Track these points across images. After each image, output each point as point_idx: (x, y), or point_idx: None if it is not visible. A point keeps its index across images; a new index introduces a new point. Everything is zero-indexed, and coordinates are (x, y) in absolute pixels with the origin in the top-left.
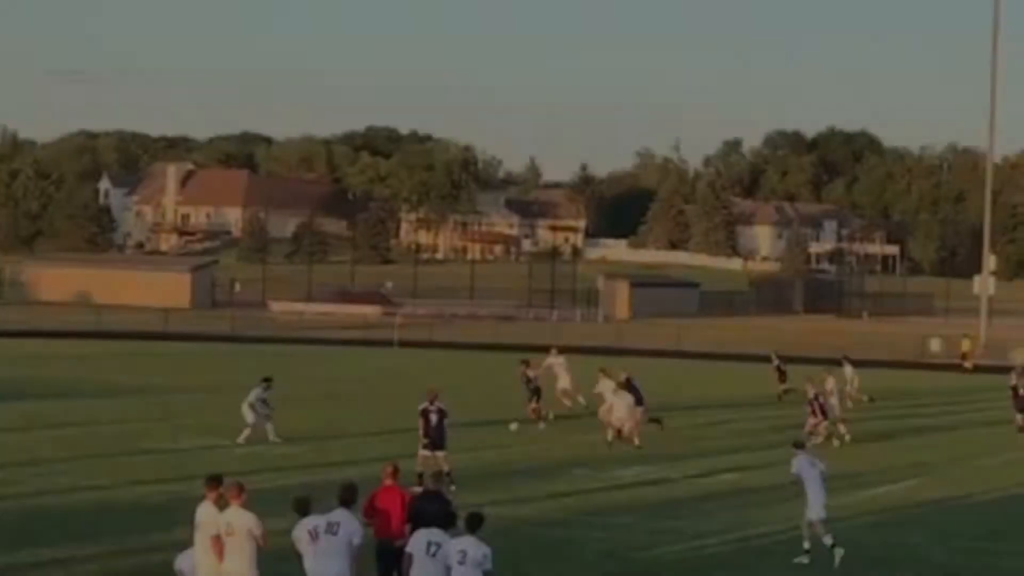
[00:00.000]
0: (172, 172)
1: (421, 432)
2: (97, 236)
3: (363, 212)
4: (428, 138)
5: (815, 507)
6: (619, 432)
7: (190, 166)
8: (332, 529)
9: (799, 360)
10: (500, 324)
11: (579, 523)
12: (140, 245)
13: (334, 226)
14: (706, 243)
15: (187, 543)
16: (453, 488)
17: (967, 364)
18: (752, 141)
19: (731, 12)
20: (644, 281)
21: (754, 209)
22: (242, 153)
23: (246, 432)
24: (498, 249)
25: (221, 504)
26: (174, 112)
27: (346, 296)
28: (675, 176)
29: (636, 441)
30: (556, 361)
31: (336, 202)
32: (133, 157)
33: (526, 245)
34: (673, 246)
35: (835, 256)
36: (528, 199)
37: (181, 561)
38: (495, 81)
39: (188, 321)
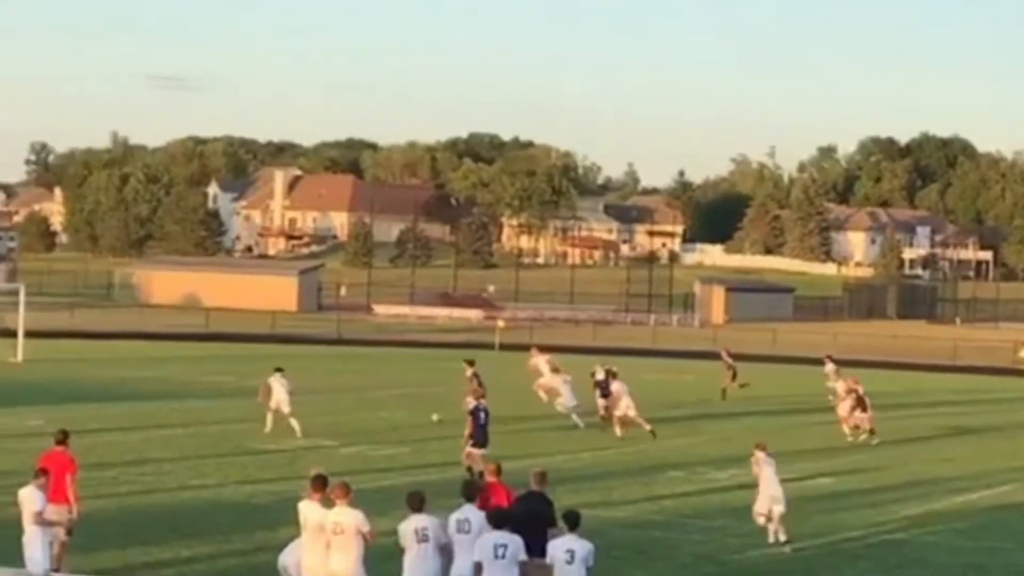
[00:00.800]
0: (280, 177)
1: (470, 430)
2: (206, 240)
3: (466, 217)
4: (530, 144)
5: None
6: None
7: (297, 171)
8: (463, 527)
9: (897, 365)
10: (598, 328)
11: (675, 525)
12: (248, 249)
13: (437, 231)
14: (800, 248)
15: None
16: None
17: None
18: (846, 147)
19: (825, 20)
20: (739, 286)
21: (848, 215)
22: (348, 159)
23: (297, 424)
24: (597, 254)
25: (326, 503)
26: (282, 118)
27: (448, 300)
28: (770, 182)
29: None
30: (540, 360)
31: (439, 207)
32: (241, 162)
33: (624, 250)
34: (768, 251)
35: (928, 262)
36: (626, 205)
37: (285, 557)
38: (595, 88)
39: (295, 324)
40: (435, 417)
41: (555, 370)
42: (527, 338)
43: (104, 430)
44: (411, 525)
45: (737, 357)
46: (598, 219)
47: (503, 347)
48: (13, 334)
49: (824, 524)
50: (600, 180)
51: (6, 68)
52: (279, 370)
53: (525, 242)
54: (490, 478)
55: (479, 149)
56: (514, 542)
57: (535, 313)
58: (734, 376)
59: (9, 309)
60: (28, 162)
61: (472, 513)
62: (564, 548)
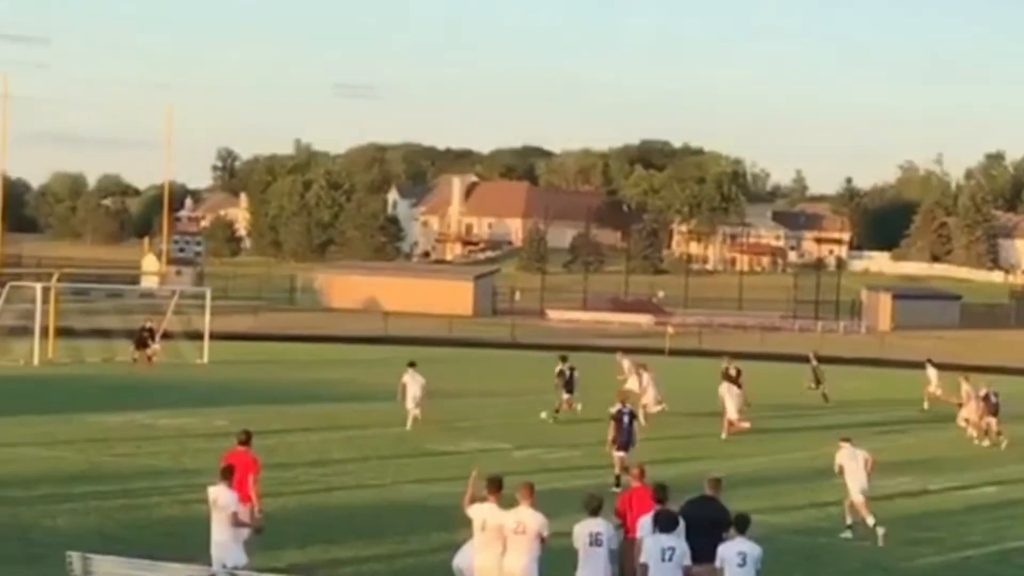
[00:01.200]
0: (457, 184)
1: (614, 434)
2: (385, 245)
3: (637, 223)
4: (700, 151)
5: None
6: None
7: (474, 178)
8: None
9: None
10: (766, 334)
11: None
12: (426, 254)
13: (609, 237)
14: (968, 256)
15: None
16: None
17: None
18: (1014, 154)
19: (992, 26)
20: (906, 293)
21: (1016, 222)
22: (523, 166)
23: (415, 418)
24: (765, 260)
25: (503, 504)
26: (460, 126)
27: (619, 305)
28: (937, 189)
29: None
30: (625, 362)
31: (611, 213)
32: (420, 169)
33: (792, 257)
34: (935, 259)
35: None
36: (794, 211)
37: (460, 559)
38: (764, 95)
39: (470, 328)
40: (544, 415)
41: (641, 367)
42: (696, 343)
43: (286, 431)
44: (586, 528)
45: (903, 365)
46: (766, 226)
47: (672, 352)
48: (199, 336)
49: (990, 532)
50: (769, 187)
51: (194, 76)
52: (412, 365)
53: (695, 248)
54: (634, 482)
55: (651, 156)
56: (680, 545)
57: (704, 319)
58: (818, 381)
59: (195, 312)
60: (215, 168)
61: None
62: (735, 551)
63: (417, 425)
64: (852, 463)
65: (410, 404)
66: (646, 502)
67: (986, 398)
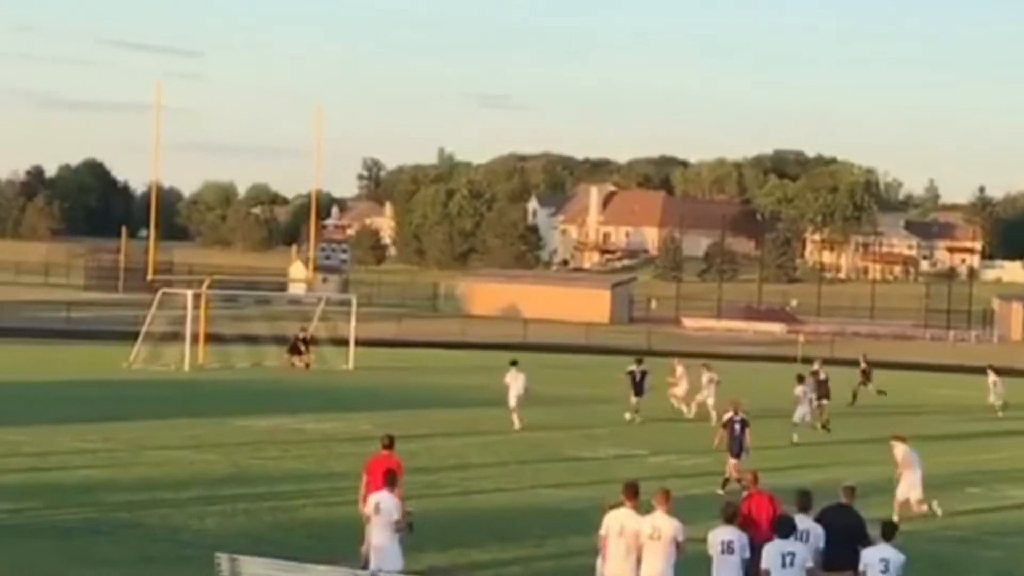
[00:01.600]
0: (595, 193)
1: (728, 441)
2: (525, 253)
3: (770, 232)
4: (833, 161)
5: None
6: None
7: (611, 187)
8: (802, 537)
9: None
10: (898, 343)
11: (973, 541)
12: (564, 262)
13: (743, 246)
14: None
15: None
16: (744, 493)
17: None
18: None
19: None
20: None
21: None
22: (659, 175)
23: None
24: (897, 269)
25: (640, 510)
26: (597, 136)
27: (753, 313)
28: None
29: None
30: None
31: (745, 223)
32: (559, 179)
33: (924, 266)
34: None
35: None
36: (927, 221)
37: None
38: (897, 105)
39: (606, 335)
40: (628, 416)
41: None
42: (828, 352)
43: (427, 435)
44: (719, 536)
45: None
46: (899, 235)
47: (804, 360)
48: (345, 343)
49: None
50: (901, 196)
51: (341, 88)
52: (514, 363)
53: (827, 257)
54: (750, 488)
55: (784, 165)
56: (801, 551)
57: (836, 327)
58: (866, 381)
59: (341, 319)
60: (360, 178)
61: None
62: (879, 557)
63: (523, 424)
64: (909, 466)
65: (513, 403)
66: (764, 507)
67: None
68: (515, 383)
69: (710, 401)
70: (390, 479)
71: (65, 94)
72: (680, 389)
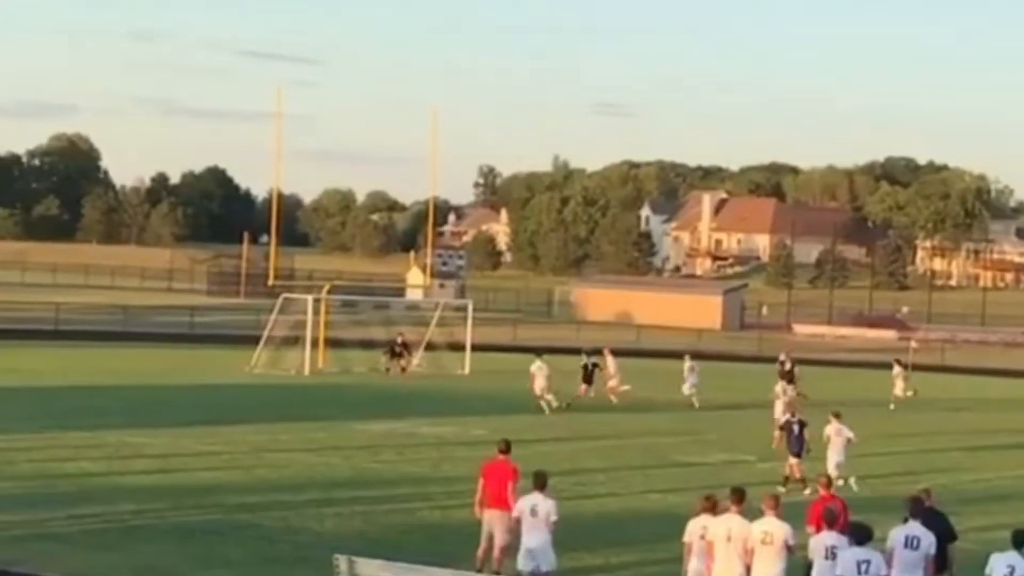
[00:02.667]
0: (707, 200)
1: (786, 442)
2: (638, 260)
3: (881, 239)
4: (944, 168)
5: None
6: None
7: (723, 194)
8: (913, 543)
9: None
10: (1009, 350)
11: None
12: (677, 269)
13: (854, 253)
14: None
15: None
16: (807, 492)
17: None
18: None
19: None
20: None
21: None
22: (771, 182)
23: (547, 406)
24: (1009, 276)
25: (746, 515)
26: (709, 143)
27: (863, 320)
28: None
29: None
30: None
31: (856, 229)
32: (672, 186)
33: None
34: None
35: None
36: None
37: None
38: (1009, 111)
39: (718, 341)
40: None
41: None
42: (939, 359)
43: (541, 440)
44: (822, 541)
45: None
46: (1010, 242)
47: (914, 367)
48: (461, 348)
49: None
50: (1012, 203)
51: (457, 96)
52: (539, 355)
53: (938, 264)
54: (821, 491)
55: (895, 172)
56: (876, 557)
57: (947, 335)
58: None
59: (458, 324)
60: (476, 185)
61: (919, 530)
62: (1005, 563)
63: (552, 410)
64: (837, 438)
65: (538, 392)
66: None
67: None
68: (539, 374)
69: (691, 390)
70: (539, 480)
71: (188, 102)
72: (615, 381)
